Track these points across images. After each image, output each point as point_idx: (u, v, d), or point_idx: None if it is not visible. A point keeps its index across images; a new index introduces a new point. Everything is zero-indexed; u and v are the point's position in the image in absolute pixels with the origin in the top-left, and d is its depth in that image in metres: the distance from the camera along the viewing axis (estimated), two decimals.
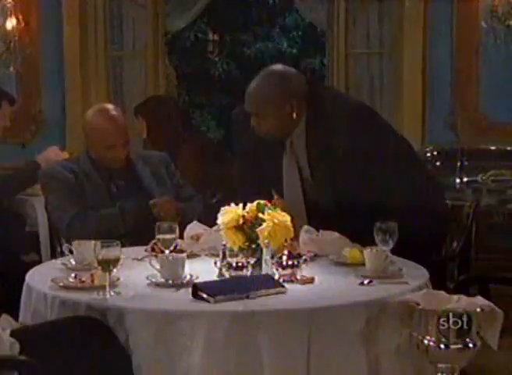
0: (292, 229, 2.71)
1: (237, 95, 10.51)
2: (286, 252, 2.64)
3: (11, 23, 5.30)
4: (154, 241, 2.92)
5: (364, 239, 2.82)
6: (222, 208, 2.76)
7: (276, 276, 2.60)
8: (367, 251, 2.74)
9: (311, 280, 2.63)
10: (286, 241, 2.68)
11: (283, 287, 2.52)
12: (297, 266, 2.63)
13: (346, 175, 3.13)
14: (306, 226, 3.04)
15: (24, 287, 2.71)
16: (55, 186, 3.42)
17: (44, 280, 2.65)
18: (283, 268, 2.62)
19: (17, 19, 5.34)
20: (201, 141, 5.25)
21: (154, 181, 3.53)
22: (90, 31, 5.82)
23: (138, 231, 3.26)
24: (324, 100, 3.23)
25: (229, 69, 10.39)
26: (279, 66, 3.28)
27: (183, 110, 6.12)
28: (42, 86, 5.72)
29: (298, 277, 2.62)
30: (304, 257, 2.67)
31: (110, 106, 3.56)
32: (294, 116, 3.16)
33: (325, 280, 2.67)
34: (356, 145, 3.11)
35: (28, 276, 2.75)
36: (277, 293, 2.48)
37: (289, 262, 2.62)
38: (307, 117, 3.19)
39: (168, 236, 2.78)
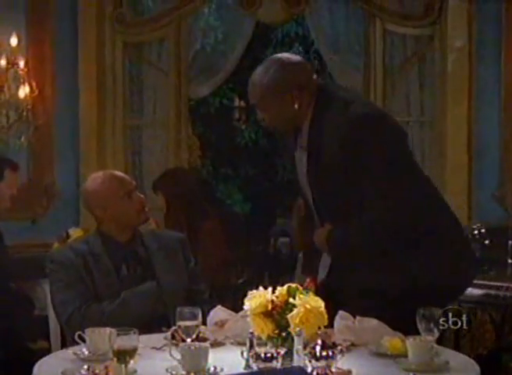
0: (326, 316, 2.69)
1: (265, 166, 10.59)
2: (319, 342, 2.61)
3: (24, 91, 5.34)
4: (174, 328, 2.91)
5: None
6: (250, 292, 2.75)
7: (309, 369, 2.56)
8: (409, 341, 2.70)
9: (348, 374, 2.59)
10: (319, 328, 2.67)
11: None
12: (332, 358, 2.59)
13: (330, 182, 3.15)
14: (341, 312, 3.01)
15: None
16: (61, 274, 3.39)
17: (54, 372, 2.62)
18: (317, 359, 2.58)
19: (30, 86, 5.39)
20: (226, 215, 5.27)
21: (165, 269, 3.51)
22: (108, 99, 5.91)
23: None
24: (331, 94, 3.21)
25: (257, 137, 10.46)
26: (282, 55, 3.28)
27: (206, 182, 6.17)
28: (55, 157, 5.79)
29: (333, 370, 2.57)
30: (339, 347, 2.64)
31: (99, 171, 3.74)
32: (296, 107, 3.16)
33: (363, 373, 2.63)
34: (346, 159, 3.08)
35: (36, 368, 2.72)
36: None
37: (324, 353, 2.58)
38: (314, 110, 3.18)
39: (189, 322, 2.76)
